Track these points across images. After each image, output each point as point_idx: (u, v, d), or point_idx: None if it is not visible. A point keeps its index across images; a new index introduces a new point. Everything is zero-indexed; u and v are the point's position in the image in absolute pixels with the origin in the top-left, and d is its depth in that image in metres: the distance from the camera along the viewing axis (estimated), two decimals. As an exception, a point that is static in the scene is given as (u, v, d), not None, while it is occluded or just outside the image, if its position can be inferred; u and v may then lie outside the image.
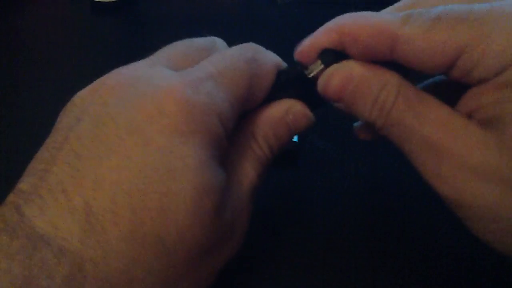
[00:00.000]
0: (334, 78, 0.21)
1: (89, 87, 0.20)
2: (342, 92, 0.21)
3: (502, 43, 0.18)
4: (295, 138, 0.31)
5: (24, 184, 0.17)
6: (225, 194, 0.19)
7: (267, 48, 0.24)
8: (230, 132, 0.20)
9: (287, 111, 0.22)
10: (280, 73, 0.23)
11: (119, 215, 0.17)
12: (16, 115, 0.34)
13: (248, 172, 0.21)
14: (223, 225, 0.19)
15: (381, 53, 0.20)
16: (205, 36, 0.25)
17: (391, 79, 0.20)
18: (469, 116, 0.20)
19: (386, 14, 0.20)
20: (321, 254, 0.25)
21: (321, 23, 0.22)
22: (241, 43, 0.27)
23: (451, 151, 0.19)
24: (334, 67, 0.21)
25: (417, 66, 0.20)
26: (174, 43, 0.22)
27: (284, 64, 0.23)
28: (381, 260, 0.24)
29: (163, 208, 0.17)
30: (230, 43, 0.27)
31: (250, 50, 0.22)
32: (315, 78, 0.22)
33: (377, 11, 0.21)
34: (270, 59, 0.23)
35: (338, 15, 0.22)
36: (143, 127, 0.18)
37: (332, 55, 0.21)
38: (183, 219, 0.17)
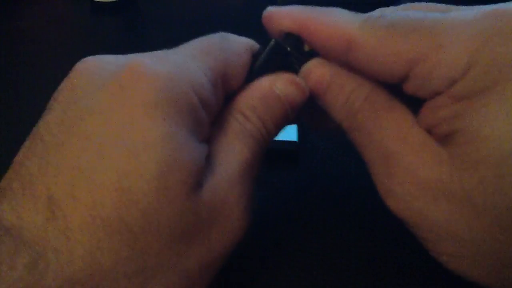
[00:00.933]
0: (313, 74, 0.21)
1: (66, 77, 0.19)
2: (319, 86, 0.21)
3: (454, 54, 0.17)
4: (295, 138, 0.31)
5: (3, 180, 0.17)
6: (205, 172, 0.18)
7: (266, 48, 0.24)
8: (213, 108, 0.19)
9: (274, 81, 0.21)
10: (256, 54, 0.22)
11: (79, 199, 0.16)
12: (16, 115, 0.34)
13: (238, 149, 0.20)
14: (202, 206, 0.17)
15: (336, 53, 0.20)
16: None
17: (363, 83, 0.20)
18: (429, 130, 0.19)
19: (350, 16, 0.20)
20: (321, 254, 0.25)
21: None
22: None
23: (404, 165, 0.19)
24: (313, 63, 0.21)
25: (370, 73, 0.19)
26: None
27: (257, 46, 0.23)
28: (381, 260, 0.24)
29: (123, 188, 0.16)
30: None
31: (219, 33, 0.22)
32: (292, 53, 0.21)
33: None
34: (242, 39, 0.22)
35: None
36: (103, 105, 0.17)
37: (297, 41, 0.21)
38: (147, 200, 0.16)
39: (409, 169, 0.18)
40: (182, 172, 0.17)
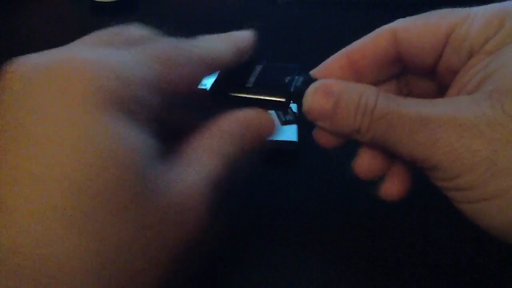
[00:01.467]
0: (316, 95, 0.22)
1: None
2: (325, 107, 0.22)
3: (486, 18, 0.21)
4: (295, 138, 0.31)
5: None
6: (166, 168, 0.19)
7: (266, 47, 0.24)
8: (154, 107, 0.20)
9: (257, 116, 0.23)
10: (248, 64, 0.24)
11: (23, 194, 0.16)
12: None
13: (206, 162, 0.20)
14: (152, 195, 0.18)
15: (386, 49, 0.24)
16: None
17: (368, 87, 0.22)
18: (461, 90, 0.21)
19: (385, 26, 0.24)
20: (321, 253, 0.25)
21: (321, 23, 0.22)
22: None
23: (442, 118, 0.19)
24: (313, 86, 0.22)
25: (418, 50, 0.23)
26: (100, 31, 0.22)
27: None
28: (381, 260, 0.24)
29: (69, 179, 0.16)
30: (230, 43, 0.27)
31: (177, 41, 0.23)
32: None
33: (375, 11, 0.23)
34: (202, 50, 0.23)
35: (338, 15, 0.23)
36: (38, 104, 0.18)
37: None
38: (94, 187, 0.17)
39: (450, 116, 0.20)
40: (122, 158, 0.17)
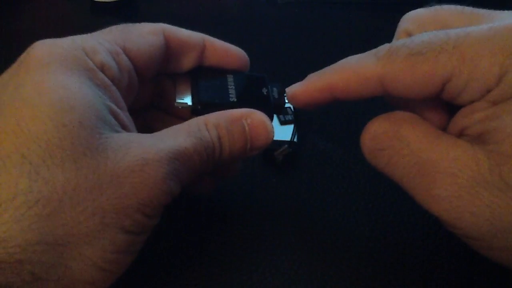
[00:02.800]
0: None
1: None
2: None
3: (486, 66, 0.19)
4: (295, 138, 0.31)
5: None
6: (129, 128, 0.20)
7: (267, 47, 0.24)
8: (114, 71, 0.21)
9: (247, 114, 0.22)
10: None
11: None
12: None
13: (182, 139, 0.20)
14: (110, 151, 0.18)
15: (372, 92, 0.21)
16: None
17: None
18: (462, 132, 0.20)
19: (367, 57, 0.21)
20: (321, 254, 0.25)
21: (321, 23, 0.22)
22: (241, 43, 0.27)
23: (443, 169, 0.19)
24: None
25: (408, 95, 0.21)
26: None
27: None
28: (381, 260, 0.24)
29: (22, 130, 0.18)
30: (230, 43, 0.27)
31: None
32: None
33: (375, 11, 0.22)
34: (150, 25, 0.24)
35: (338, 15, 0.23)
36: (5, 77, 0.20)
37: None
38: (46, 137, 0.18)
39: (448, 172, 0.19)
40: (75, 112, 0.18)
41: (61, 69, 0.19)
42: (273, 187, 0.29)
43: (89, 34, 0.22)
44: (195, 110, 0.24)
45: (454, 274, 0.24)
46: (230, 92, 0.24)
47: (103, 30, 0.23)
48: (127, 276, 0.20)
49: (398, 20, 0.25)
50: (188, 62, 0.25)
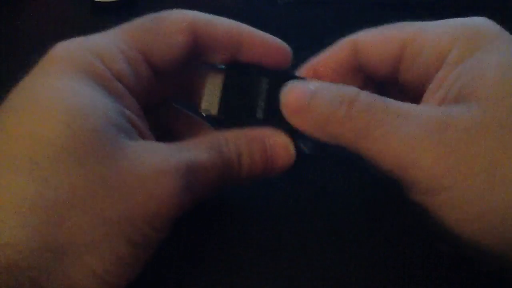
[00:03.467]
0: (294, 89, 0.22)
1: None
2: (302, 99, 0.22)
3: (437, 35, 0.22)
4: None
5: None
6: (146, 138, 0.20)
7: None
8: (131, 79, 0.21)
9: (270, 135, 0.22)
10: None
11: None
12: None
13: (200, 151, 0.20)
14: (125, 159, 0.18)
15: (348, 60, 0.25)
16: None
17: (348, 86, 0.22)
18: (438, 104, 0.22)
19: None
20: (321, 254, 0.25)
21: (321, 23, 0.23)
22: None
23: (435, 119, 0.19)
24: (290, 83, 0.22)
25: (375, 61, 0.24)
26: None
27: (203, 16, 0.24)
28: (382, 260, 0.24)
29: (34, 135, 0.18)
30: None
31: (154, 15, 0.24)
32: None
33: (375, 11, 0.24)
34: (179, 18, 0.23)
35: (338, 15, 0.23)
36: (24, 83, 0.20)
37: None
38: (58, 143, 0.18)
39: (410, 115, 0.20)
40: (90, 119, 0.18)
41: (78, 76, 0.19)
42: (272, 187, 0.29)
43: (110, 34, 0.22)
44: (219, 121, 0.23)
45: (454, 274, 0.24)
46: (259, 104, 0.23)
47: (125, 27, 0.22)
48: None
49: (398, 20, 0.25)
50: (220, 58, 0.24)
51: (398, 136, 0.19)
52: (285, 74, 0.25)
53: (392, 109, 0.19)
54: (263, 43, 0.24)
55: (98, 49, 0.21)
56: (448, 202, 0.19)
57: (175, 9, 0.22)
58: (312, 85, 0.21)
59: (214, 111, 0.23)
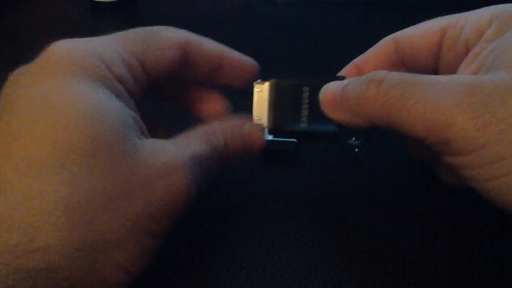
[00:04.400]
0: (330, 86, 0.24)
1: None
2: (336, 92, 0.24)
3: (475, 18, 0.24)
4: (294, 138, 0.31)
5: None
6: (155, 139, 0.21)
7: (266, 47, 0.24)
8: (129, 83, 0.22)
9: (243, 123, 0.25)
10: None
11: (13, 155, 0.18)
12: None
13: (198, 148, 0.22)
14: (140, 157, 0.19)
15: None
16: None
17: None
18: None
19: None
20: (321, 254, 0.25)
21: (321, 23, 0.23)
22: (241, 43, 0.27)
23: (464, 84, 0.20)
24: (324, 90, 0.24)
25: (416, 53, 0.25)
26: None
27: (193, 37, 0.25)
28: (381, 260, 0.24)
29: (59, 139, 0.18)
30: (230, 43, 0.27)
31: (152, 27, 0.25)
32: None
33: (375, 11, 0.25)
34: (174, 34, 0.25)
35: (338, 15, 0.23)
36: (28, 85, 0.20)
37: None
38: (83, 145, 0.18)
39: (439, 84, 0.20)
40: (107, 121, 0.19)
41: (86, 79, 0.20)
42: (271, 187, 0.29)
43: (109, 39, 0.23)
44: (270, 131, 0.26)
45: (455, 274, 0.24)
46: (302, 115, 0.25)
47: (123, 34, 0.24)
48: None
49: (398, 20, 0.25)
50: (202, 75, 0.26)
51: (431, 101, 0.20)
52: (324, 78, 0.26)
53: (423, 81, 0.20)
54: (239, 64, 0.27)
55: (100, 52, 0.21)
56: (481, 160, 0.19)
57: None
58: (346, 80, 0.23)
59: (265, 123, 0.26)
